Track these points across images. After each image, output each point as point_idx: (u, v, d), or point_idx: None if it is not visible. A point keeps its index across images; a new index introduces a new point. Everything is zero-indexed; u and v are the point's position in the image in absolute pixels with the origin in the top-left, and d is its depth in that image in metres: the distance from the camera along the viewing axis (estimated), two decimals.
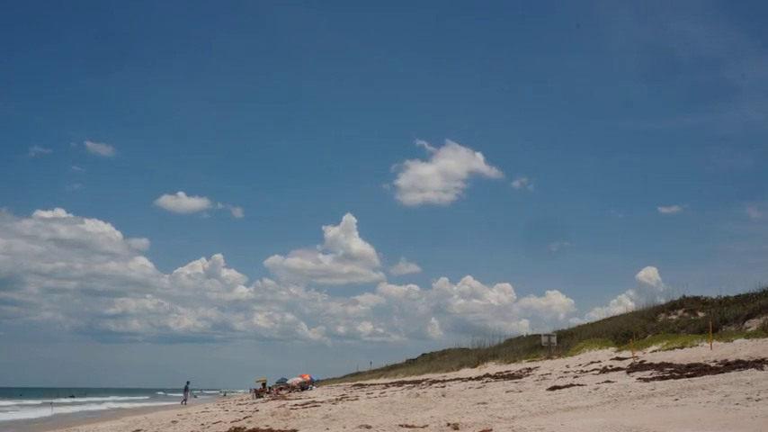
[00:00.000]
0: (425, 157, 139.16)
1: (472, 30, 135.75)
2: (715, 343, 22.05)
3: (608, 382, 16.34)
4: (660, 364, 19.11)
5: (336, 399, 21.95)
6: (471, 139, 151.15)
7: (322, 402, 19.39)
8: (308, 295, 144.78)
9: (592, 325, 38.78)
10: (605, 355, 27.90)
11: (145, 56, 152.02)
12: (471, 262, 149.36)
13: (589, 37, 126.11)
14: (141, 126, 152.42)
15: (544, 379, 21.61)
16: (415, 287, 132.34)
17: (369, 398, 20.80)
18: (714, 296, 31.97)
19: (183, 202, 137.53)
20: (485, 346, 48.74)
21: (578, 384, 16.54)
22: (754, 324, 23.74)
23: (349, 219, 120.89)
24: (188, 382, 47.48)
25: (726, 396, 10.34)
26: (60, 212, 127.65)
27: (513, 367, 32.33)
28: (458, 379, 31.32)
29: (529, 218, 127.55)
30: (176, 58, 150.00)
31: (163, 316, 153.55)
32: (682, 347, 23.60)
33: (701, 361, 18.09)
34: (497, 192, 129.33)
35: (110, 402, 58.39)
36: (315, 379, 57.06)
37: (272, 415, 15.06)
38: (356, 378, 77.37)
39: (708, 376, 14.27)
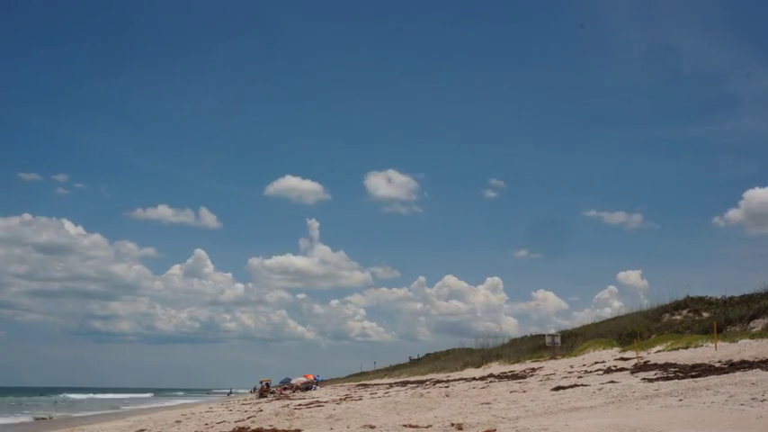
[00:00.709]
0: None
1: (476, 37, 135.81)
2: (719, 343, 21.99)
3: (612, 382, 16.32)
4: (664, 364, 19.06)
5: (340, 399, 21.97)
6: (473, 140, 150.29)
7: (326, 402, 19.42)
8: (295, 296, 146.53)
9: (596, 325, 38.68)
10: (609, 355, 27.85)
11: (148, 59, 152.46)
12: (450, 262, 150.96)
13: (593, 47, 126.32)
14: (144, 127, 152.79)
15: (548, 379, 21.59)
16: (400, 290, 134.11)
17: (373, 398, 20.81)
18: (719, 296, 31.90)
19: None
20: (488, 347, 48.72)
21: (582, 385, 16.52)
22: (758, 324, 23.66)
23: (312, 223, 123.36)
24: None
25: (730, 396, 10.32)
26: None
27: (517, 367, 32.29)
28: (462, 379, 31.30)
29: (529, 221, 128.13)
30: (181, 62, 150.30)
31: (152, 317, 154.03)
32: (686, 348, 23.54)
33: (706, 361, 18.05)
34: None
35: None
36: (318, 379, 57.07)
37: (276, 415, 15.09)
38: (360, 378, 77.36)
39: (712, 377, 14.23)
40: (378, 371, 79.88)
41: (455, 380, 31.59)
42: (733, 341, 22.03)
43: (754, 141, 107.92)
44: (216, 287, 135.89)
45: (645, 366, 19.62)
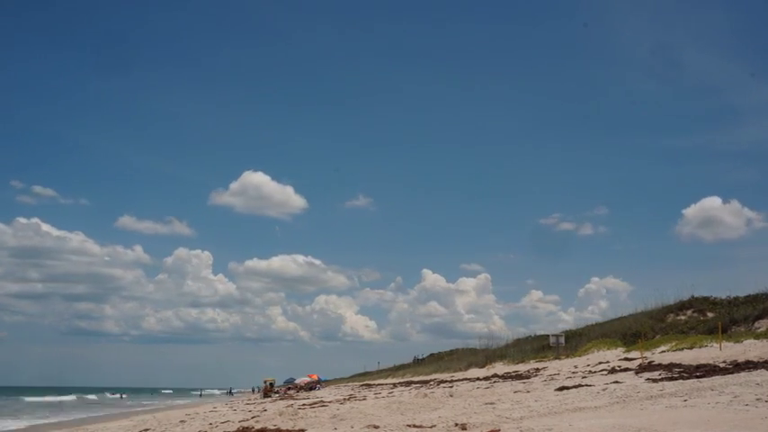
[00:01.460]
0: None
1: (477, 38, 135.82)
2: (724, 343, 21.93)
3: (616, 382, 16.28)
4: (669, 364, 19.02)
5: (344, 399, 21.98)
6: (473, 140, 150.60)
7: (330, 402, 19.42)
8: (282, 297, 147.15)
9: (600, 325, 38.67)
10: (614, 355, 27.81)
11: (152, 62, 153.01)
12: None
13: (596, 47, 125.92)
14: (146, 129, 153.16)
15: (552, 379, 21.56)
16: (388, 292, 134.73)
17: (377, 398, 20.82)
18: (723, 296, 31.83)
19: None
20: (492, 347, 48.72)
21: (586, 385, 16.49)
22: (763, 325, 23.60)
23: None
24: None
25: (735, 397, 10.29)
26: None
27: (521, 367, 32.26)
28: (466, 379, 31.29)
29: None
30: (185, 66, 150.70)
31: (140, 317, 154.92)
32: (691, 348, 23.48)
33: (711, 362, 17.99)
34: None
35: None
36: (322, 379, 57.14)
37: (280, 415, 15.11)
38: (364, 378, 77.41)
39: (717, 377, 14.19)
40: (381, 371, 79.97)
41: (459, 380, 31.59)
42: (738, 341, 21.97)
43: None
44: (207, 288, 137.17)
45: (649, 366, 19.58)
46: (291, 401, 24.32)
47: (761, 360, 16.42)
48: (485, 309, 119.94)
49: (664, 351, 24.85)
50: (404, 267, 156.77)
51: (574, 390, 15.53)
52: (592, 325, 40.37)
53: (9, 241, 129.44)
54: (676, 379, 14.95)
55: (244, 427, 13.15)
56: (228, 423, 15.26)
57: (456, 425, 10.34)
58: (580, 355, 31.30)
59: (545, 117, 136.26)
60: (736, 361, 17.09)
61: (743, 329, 24.03)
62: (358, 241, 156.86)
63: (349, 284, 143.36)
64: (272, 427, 12.46)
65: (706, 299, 32.63)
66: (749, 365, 15.62)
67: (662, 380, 15.23)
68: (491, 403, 13.92)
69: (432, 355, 75.21)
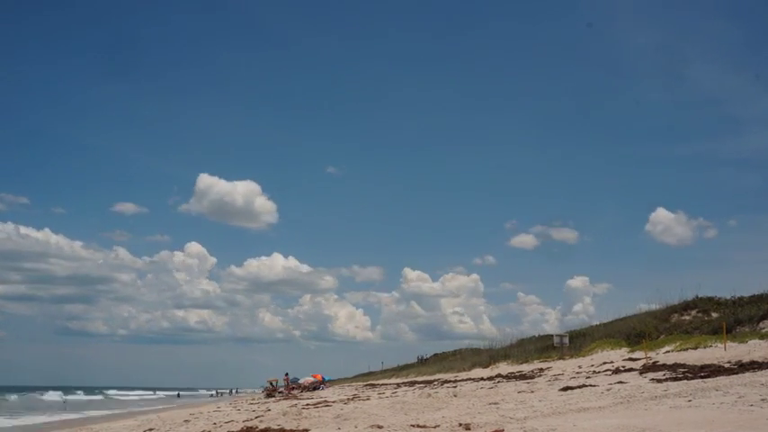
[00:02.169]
0: None
1: (480, 42, 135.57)
2: (729, 344, 21.87)
3: (620, 382, 16.27)
4: (673, 364, 18.98)
5: (348, 399, 22.00)
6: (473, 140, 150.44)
7: (333, 402, 19.45)
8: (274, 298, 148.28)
9: (604, 325, 38.54)
10: (618, 355, 27.75)
11: (157, 66, 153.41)
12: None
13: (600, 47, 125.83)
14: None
15: (556, 379, 21.54)
16: (377, 293, 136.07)
17: (380, 398, 20.83)
18: (728, 296, 31.72)
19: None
20: (496, 347, 48.68)
21: (591, 385, 16.47)
22: None
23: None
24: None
25: (740, 397, 10.27)
26: None
27: (525, 367, 32.23)
28: (469, 379, 31.28)
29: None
30: (189, 69, 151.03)
31: (133, 318, 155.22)
32: (695, 348, 23.41)
33: (715, 362, 17.95)
34: None
35: None
36: (326, 379, 57.14)
37: (283, 414, 15.13)
38: (368, 378, 77.44)
39: (722, 377, 14.16)
40: (385, 371, 79.96)
41: (463, 380, 31.59)
42: (742, 341, 21.90)
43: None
44: (199, 290, 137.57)
45: (653, 367, 19.54)
46: (295, 401, 24.35)
47: (765, 360, 16.38)
48: (471, 309, 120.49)
49: (668, 351, 24.79)
50: (390, 267, 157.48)
51: (578, 390, 15.52)
52: (596, 325, 40.27)
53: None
54: (681, 379, 14.92)
55: (248, 427, 13.17)
56: (232, 423, 15.28)
57: (460, 425, 10.34)
58: (584, 356, 31.24)
59: (545, 119, 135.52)
60: (740, 361, 17.04)
61: (747, 330, 23.95)
62: (342, 241, 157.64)
63: (337, 285, 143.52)
64: (276, 427, 12.48)
65: (710, 299, 32.50)
66: (754, 366, 15.59)
67: (666, 380, 15.21)
68: (495, 403, 13.92)
69: (435, 355, 75.16)
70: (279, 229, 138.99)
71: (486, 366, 40.41)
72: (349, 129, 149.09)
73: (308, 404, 19.56)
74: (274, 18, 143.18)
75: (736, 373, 14.55)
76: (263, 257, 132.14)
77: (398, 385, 38.49)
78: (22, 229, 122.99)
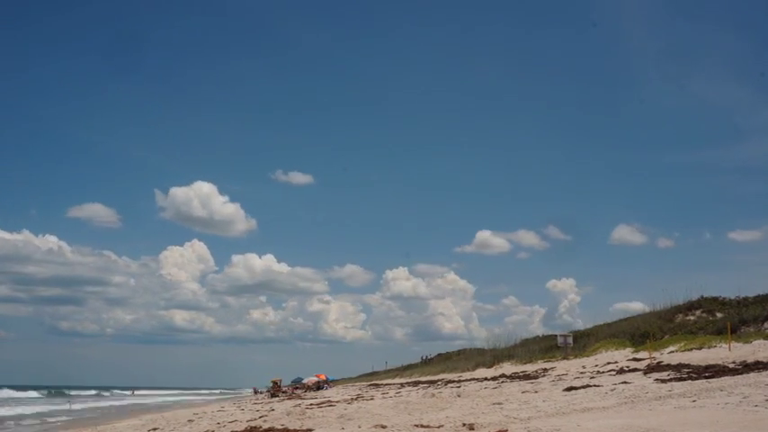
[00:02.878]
0: None
1: (487, 43, 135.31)
2: (733, 344, 21.81)
3: (625, 383, 16.23)
4: (677, 365, 18.93)
5: (352, 398, 22.01)
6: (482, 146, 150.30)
7: (337, 402, 19.46)
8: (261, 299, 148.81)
9: (608, 325, 38.50)
10: (622, 355, 27.70)
11: (160, 66, 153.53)
12: None
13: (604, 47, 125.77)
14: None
15: (560, 379, 21.51)
16: (367, 294, 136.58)
17: (384, 398, 20.84)
18: (732, 297, 31.64)
19: None
20: (500, 347, 48.66)
21: (595, 385, 16.44)
22: None
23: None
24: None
25: (744, 398, 10.24)
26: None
27: (529, 368, 32.19)
28: (473, 379, 31.26)
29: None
30: (192, 70, 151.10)
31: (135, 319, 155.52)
32: (699, 348, 23.35)
33: (720, 362, 17.89)
34: None
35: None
36: (330, 379, 57.24)
37: (287, 414, 15.16)
38: (371, 378, 77.51)
39: (726, 377, 14.12)
40: (389, 371, 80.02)
41: (467, 380, 31.56)
42: (747, 342, 21.83)
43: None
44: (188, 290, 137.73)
45: (658, 367, 19.49)
46: (299, 401, 24.37)
47: None
48: (460, 310, 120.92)
49: (672, 351, 24.73)
50: (376, 268, 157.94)
51: (582, 390, 15.50)
52: (600, 325, 40.21)
53: None
54: (685, 379, 14.89)
55: (252, 427, 13.19)
56: (236, 423, 15.31)
57: (464, 425, 10.34)
58: (588, 356, 31.20)
59: (545, 122, 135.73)
60: (745, 361, 16.98)
61: (752, 330, 23.88)
62: (331, 242, 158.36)
63: (328, 286, 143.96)
64: (280, 427, 12.49)
65: (715, 299, 32.44)
66: (758, 366, 15.53)
67: (671, 380, 15.17)
68: (499, 403, 13.91)
69: (439, 355, 75.22)
70: (279, 229, 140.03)
71: (489, 366, 40.41)
72: (351, 129, 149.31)
73: (311, 404, 19.57)
74: (275, 18, 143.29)
75: (741, 374, 14.50)
76: (261, 258, 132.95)
77: (402, 385, 38.50)
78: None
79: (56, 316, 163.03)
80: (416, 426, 10.73)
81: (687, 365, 18.28)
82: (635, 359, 24.93)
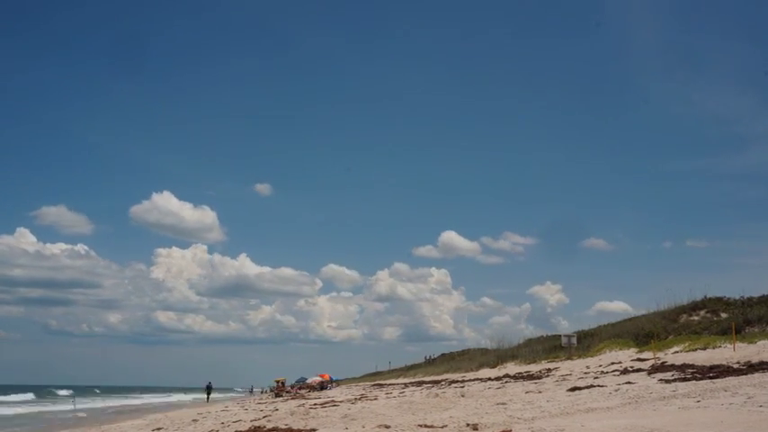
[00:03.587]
0: None
1: (492, 47, 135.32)
2: (738, 344, 21.75)
3: (629, 383, 16.21)
4: (682, 365, 18.90)
5: (355, 398, 22.02)
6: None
7: (341, 402, 19.47)
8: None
9: (612, 325, 38.42)
10: (626, 355, 27.64)
11: (162, 66, 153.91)
12: None
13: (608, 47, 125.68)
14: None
15: (564, 380, 21.49)
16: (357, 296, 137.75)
17: (388, 398, 20.84)
18: (737, 297, 31.53)
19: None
20: (504, 347, 48.60)
21: (599, 385, 16.43)
22: None
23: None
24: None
25: (749, 398, 10.22)
26: None
27: (533, 368, 32.15)
28: (477, 379, 31.25)
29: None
30: (194, 71, 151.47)
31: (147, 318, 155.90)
32: (704, 349, 23.29)
33: (724, 362, 17.86)
34: None
35: None
36: (334, 379, 57.26)
37: (291, 414, 15.18)
38: (375, 378, 77.52)
39: (731, 378, 14.09)
40: (393, 371, 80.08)
41: (470, 380, 31.55)
42: (752, 342, 21.77)
43: None
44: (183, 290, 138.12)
45: (662, 367, 19.46)
46: (303, 401, 24.40)
47: None
48: (450, 311, 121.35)
49: (677, 352, 24.68)
50: (367, 270, 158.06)
51: (586, 390, 15.48)
52: (604, 325, 40.12)
53: None
54: (689, 380, 14.86)
55: (255, 427, 13.21)
56: (240, 422, 15.34)
57: (467, 425, 10.34)
58: (592, 356, 31.14)
59: (547, 125, 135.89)
60: (749, 362, 16.94)
61: (757, 330, 23.79)
62: (316, 245, 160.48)
63: (321, 287, 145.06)
64: (284, 427, 12.51)
65: (719, 299, 32.31)
66: (763, 366, 15.49)
67: (675, 380, 15.14)
68: (502, 403, 13.90)
69: (443, 355, 75.23)
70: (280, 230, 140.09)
71: (493, 366, 40.35)
72: (352, 130, 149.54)
73: (315, 404, 19.60)
74: (275, 18, 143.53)
75: (746, 374, 14.47)
76: (258, 259, 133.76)
77: (406, 385, 38.50)
78: None
79: (46, 315, 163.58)
80: (420, 426, 10.74)
81: (691, 366, 18.25)
82: (639, 359, 24.89)
